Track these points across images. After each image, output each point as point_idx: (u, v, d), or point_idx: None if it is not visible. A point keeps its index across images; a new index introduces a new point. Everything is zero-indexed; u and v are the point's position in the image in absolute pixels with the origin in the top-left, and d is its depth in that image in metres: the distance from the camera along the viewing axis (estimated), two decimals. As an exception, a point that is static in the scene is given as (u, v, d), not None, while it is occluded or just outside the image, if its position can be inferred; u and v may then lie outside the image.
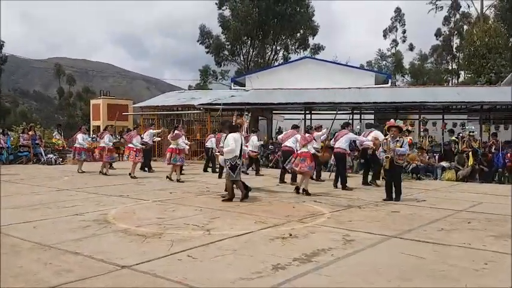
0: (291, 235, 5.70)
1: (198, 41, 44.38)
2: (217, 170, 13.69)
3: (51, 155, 18.67)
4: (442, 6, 48.90)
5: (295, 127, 12.58)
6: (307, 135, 10.38)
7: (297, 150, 10.47)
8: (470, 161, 13.50)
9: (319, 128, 11.70)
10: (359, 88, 21.38)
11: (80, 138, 14.75)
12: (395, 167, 8.82)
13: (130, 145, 13.15)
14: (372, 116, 21.70)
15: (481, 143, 15.61)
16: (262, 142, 14.44)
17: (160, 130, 15.27)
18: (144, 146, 13.64)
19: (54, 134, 21.14)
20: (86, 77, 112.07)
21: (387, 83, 25.81)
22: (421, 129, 18.06)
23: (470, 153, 13.71)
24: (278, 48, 45.37)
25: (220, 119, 19.90)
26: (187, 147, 13.60)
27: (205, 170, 15.40)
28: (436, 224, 6.65)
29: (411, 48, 55.79)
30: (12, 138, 19.25)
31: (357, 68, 30.10)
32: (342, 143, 11.05)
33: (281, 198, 9.30)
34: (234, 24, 41.13)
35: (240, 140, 8.77)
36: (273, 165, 17.14)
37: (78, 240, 5.38)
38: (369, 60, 56.25)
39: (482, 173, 13.37)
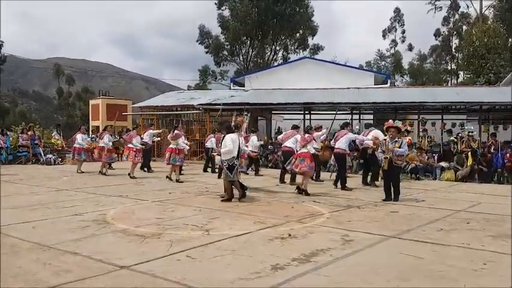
0: (290, 235, 5.71)
1: (197, 41, 44.43)
2: (217, 170, 13.69)
3: (50, 155, 18.67)
4: (441, 7, 48.97)
5: (295, 127, 12.58)
6: (306, 135, 10.38)
7: (297, 151, 10.47)
8: (470, 161, 13.52)
9: (319, 129, 11.70)
10: (358, 88, 21.41)
11: (79, 139, 14.75)
12: (393, 168, 8.82)
13: (130, 145, 13.15)
14: (371, 116, 21.73)
15: (480, 143, 15.62)
16: (262, 142, 14.45)
17: (160, 131, 15.26)
18: (143, 146, 13.65)
19: (53, 134, 21.13)
20: (85, 77, 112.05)
21: (386, 83, 25.84)
22: (420, 130, 18.06)
23: (470, 153, 13.73)
24: (277, 48, 45.41)
25: (219, 119, 19.90)
26: (187, 147, 13.60)
27: (205, 170, 15.39)
28: (435, 224, 6.66)
29: (410, 48, 55.83)
30: (11, 139, 19.25)
31: (356, 68, 30.15)
32: (341, 144, 11.06)
33: (280, 198, 9.30)
34: (234, 24, 41.13)
35: (238, 141, 8.77)
36: (272, 166, 17.16)
37: (77, 240, 5.38)
38: (368, 61, 56.33)
39: (481, 173, 13.38)
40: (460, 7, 50.03)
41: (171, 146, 12.30)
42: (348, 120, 16.04)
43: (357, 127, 17.61)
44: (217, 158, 9.38)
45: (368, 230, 6.11)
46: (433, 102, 17.89)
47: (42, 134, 21.85)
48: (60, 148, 20.01)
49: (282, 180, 12.04)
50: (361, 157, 13.15)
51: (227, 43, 43.85)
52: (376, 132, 11.37)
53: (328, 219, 6.93)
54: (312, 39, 45.68)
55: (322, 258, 4.68)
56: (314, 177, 12.17)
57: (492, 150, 14.24)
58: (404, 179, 12.86)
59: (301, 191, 9.68)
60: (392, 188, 8.95)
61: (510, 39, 36.65)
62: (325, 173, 14.00)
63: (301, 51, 45.05)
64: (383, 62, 55.24)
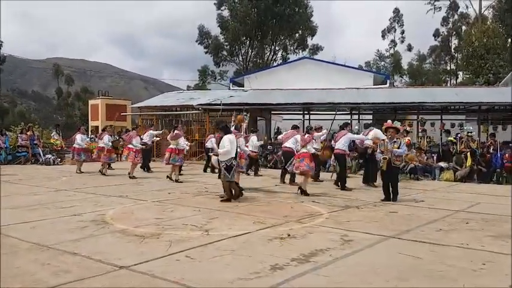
0: (289, 235, 5.71)
1: (196, 41, 44.45)
2: (216, 170, 13.66)
3: (49, 155, 18.66)
4: (440, 7, 49.05)
5: (295, 127, 12.57)
6: (306, 136, 10.38)
7: (297, 151, 10.50)
8: (469, 162, 13.53)
9: (319, 129, 11.70)
10: (357, 88, 21.43)
11: (79, 139, 14.74)
12: (392, 168, 8.83)
13: (129, 146, 13.14)
14: (370, 117, 21.75)
15: (479, 144, 15.62)
16: (262, 142, 14.43)
17: (161, 132, 15.25)
18: (143, 147, 13.64)
19: (52, 134, 21.13)
20: (84, 77, 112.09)
21: (385, 84, 25.86)
22: (419, 130, 18.07)
23: (469, 153, 13.74)
24: (277, 48, 45.47)
25: (220, 119, 19.90)
26: (187, 147, 13.58)
27: (205, 171, 15.38)
28: (434, 224, 6.66)
29: (409, 48, 55.92)
30: (10, 139, 19.23)
31: (355, 68, 30.18)
32: (341, 144, 11.09)
33: (279, 198, 9.30)
34: (233, 25, 41.15)
35: (236, 142, 8.78)
36: (271, 166, 17.17)
37: (76, 240, 5.37)
38: (367, 61, 56.39)
39: (480, 174, 13.38)
40: (459, 7, 50.19)
41: (171, 146, 12.26)
42: (348, 121, 16.05)
43: (356, 127, 17.62)
44: (213, 158, 9.35)
45: (367, 230, 6.11)
46: (432, 103, 17.91)
47: (42, 134, 21.85)
48: (59, 148, 20.00)
49: (282, 181, 12.05)
50: (360, 157, 13.15)
51: (226, 43, 43.88)
52: (376, 132, 11.37)
53: (328, 220, 6.93)
54: (311, 39, 45.81)
55: (321, 258, 4.68)
56: (313, 178, 12.18)
57: (491, 151, 14.23)
58: (403, 179, 12.88)
59: (302, 191, 9.67)
60: (391, 188, 8.96)
61: (509, 40, 36.66)
62: (324, 173, 14.00)
63: (300, 51, 45.15)
64: (382, 63, 55.34)
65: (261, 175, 14.15)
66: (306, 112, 20.47)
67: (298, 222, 6.63)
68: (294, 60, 29.97)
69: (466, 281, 4.02)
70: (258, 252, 4.91)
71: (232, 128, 10.62)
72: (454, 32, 51.07)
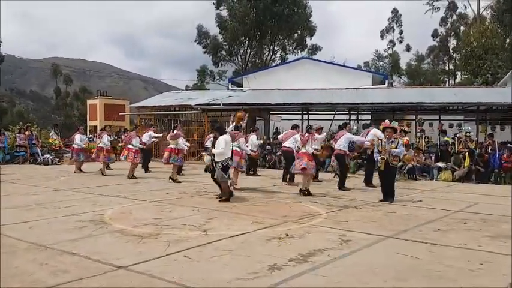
0: (287, 235, 5.71)
1: (195, 41, 44.41)
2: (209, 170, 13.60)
3: (47, 155, 18.65)
4: (439, 7, 49.10)
5: (295, 127, 12.59)
6: (305, 135, 10.38)
7: (296, 151, 10.53)
8: (467, 162, 13.55)
9: (319, 129, 11.70)
10: (356, 89, 21.44)
11: (78, 139, 14.72)
12: (390, 168, 8.84)
13: (129, 146, 13.11)
14: (369, 117, 21.75)
15: (477, 144, 15.66)
16: (261, 141, 14.41)
17: (161, 135, 15.23)
18: (143, 146, 13.61)
19: (50, 134, 21.11)
20: (83, 77, 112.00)
21: (384, 84, 25.86)
22: (418, 130, 18.11)
23: (467, 153, 13.77)
24: (275, 48, 45.48)
25: (219, 119, 19.89)
26: (186, 147, 13.54)
27: (206, 170, 15.29)
28: (432, 224, 6.67)
29: (408, 49, 56.00)
30: (9, 139, 19.20)
31: (354, 68, 30.21)
32: (340, 144, 11.14)
33: (278, 198, 9.31)
34: (232, 25, 41.13)
35: (231, 142, 8.79)
36: (270, 166, 17.17)
37: (74, 240, 5.37)
38: (366, 61, 56.52)
39: (478, 174, 13.41)
40: (457, 8, 50.26)
41: (170, 145, 12.21)
42: (347, 121, 16.05)
43: (355, 127, 17.64)
44: (206, 158, 9.31)
45: (365, 230, 6.12)
46: (431, 103, 17.94)
47: (40, 134, 21.81)
48: (57, 148, 19.98)
49: (284, 180, 12.06)
50: (360, 157, 13.17)
51: (225, 43, 43.88)
52: (375, 131, 11.37)
53: (326, 220, 6.94)
54: (310, 39, 45.84)
55: (319, 258, 4.69)
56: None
57: (489, 151, 14.26)
58: (401, 180, 12.91)
59: (305, 191, 9.65)
60: (388, 188, 8.96)
61: (507, 40, 36.76)
62: (322, 173, 14.01)
63: (299, 51, 45.17)
64: (381, 63, 55.44)
65: (260, 175, 14.16)
66: (304, 112, 20.47)
67: (297, 222, 6.64)
68: (293, 60, 29.99)
69: (463, 281, 4.03)
70: (257, 252, 4.91)
71: (232, 127, 10.62)
72: (453, 33, 51.17)
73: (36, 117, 63.53)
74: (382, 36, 56.78)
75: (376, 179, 10.15)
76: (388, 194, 8.90)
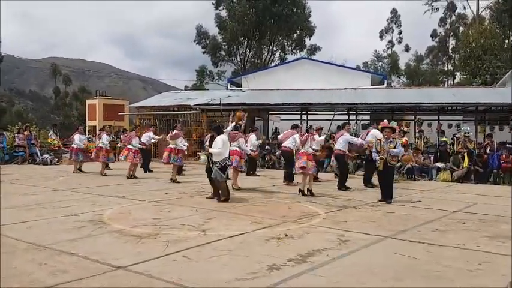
0: (286, 236, 5.72)
1: (194, 41, 44.43)
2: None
3: (46, 155, 18.63)
4: (438, 8, 49.17)
5: (295, 127, 12.59)
6: (304, 135, 10.39)
7: (296, 151, 10.54)
8: (466, 162, 13.56)
9: (319, 130, 11.71)
10: (355, 89, 21.46)
11: (77, 139, 14.70)
12: (388, 168, 8.84)
13: (129, 146, 13.10)
14: (368, 117, 21.77)
15: (476, 144, 15.67)
16: (260, 141, 14.41)
17: (160, 137, 15.22)
18: (143, 147, 13.59)
19: (49, 134, 21.07)
20: (82, 77, 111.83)
21: (383, 84, 25.90)
22: (417, 130, 18.13)
23: (466, 154, 13.77)
24: (275, 48, 45.50)
25: (218, 119, 19.91)
26: (185, 148, 13.52)
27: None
28: (430, 224, 6.68)
29: (407, 49, 56.07)
30: (7, 138, 19.18)
31: (353, 69, 30.23)
32: (339, 145, 11.17)
33: (277, 198, 9.31)
34: (231, 25, 41.15)
35: (228, 142, 8.79)
36: (269, 166, 17.17)
37: (73, 240, 5.37)
38: (365, 61, 56.56)
39: (477, 174, 13.43)
40: (456, 8, 50.34)
41: (169, 145, 12.19)
42: (346, 121, 16.04)
43: (354, 128, 17.64)
44: (202, 158, 9.30)
45: (364, 230, 6.12)
46: (430, 103, 17.96)
47: (39, 134, 21.78)
48: (56, 148, 19.96)
49: (285, 179, 12.07)
50: (359, 158, 13.17)
51: (224, 43, 43.89)
52: (375, 132, 11.38)
53: (325, 220, 6.94)
54: (309, 39, 45.88)
55: (318, 259, 4.69)
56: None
57: (488, 151, 14.28)
58: (400, 180, 12.92)
59: (308, 191, 9.65)
60: (386, 188, 8.97)
61: (506, 41, 36.82)
62: (322, 173, 14.01)
63: (298, 51, 45.21)
64: (380, 63, 55.47)
65: (258, 175, 14.16)
66: (303, 112, 20.48)
67: (296, 223, 6.64)
68: (292, 61, 29.99)
69: (462, 281, 4.04)
70: (255, 253, 4.92)
71: (231, 127, 10.63)
72: (452, 33, 51.23)
73: (35, 117, 63.46)
74: (381, 37, 56.87)
75: (375, 179, 10.20)
76: (387, 194, 8.91)
